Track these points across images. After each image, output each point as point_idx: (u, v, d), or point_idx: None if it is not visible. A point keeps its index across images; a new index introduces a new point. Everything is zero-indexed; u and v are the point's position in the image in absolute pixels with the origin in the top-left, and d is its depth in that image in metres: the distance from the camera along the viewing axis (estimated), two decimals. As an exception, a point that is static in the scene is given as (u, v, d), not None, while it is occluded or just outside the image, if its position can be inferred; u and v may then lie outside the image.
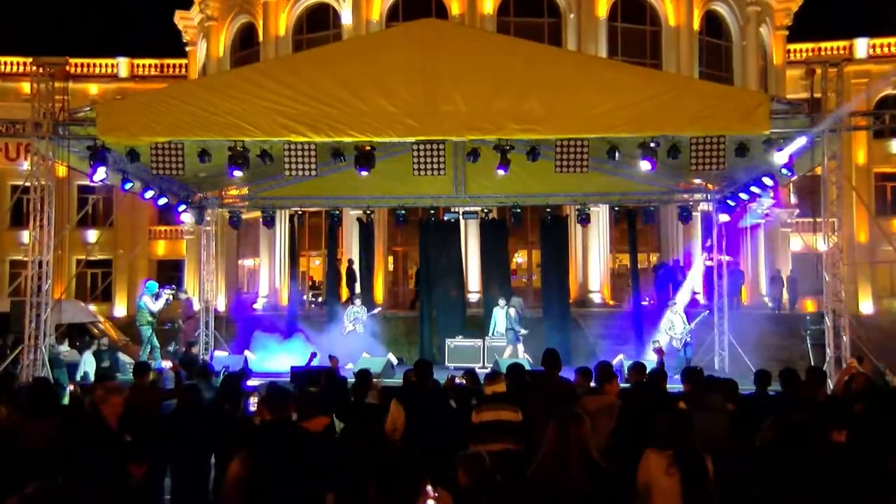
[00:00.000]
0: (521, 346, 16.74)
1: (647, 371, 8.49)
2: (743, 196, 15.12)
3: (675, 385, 8.71)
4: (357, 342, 16.87)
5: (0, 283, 30.88)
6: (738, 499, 5.39)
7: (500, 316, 17.34)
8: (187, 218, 17.29)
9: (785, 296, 25.62)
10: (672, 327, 16.11)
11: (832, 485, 4.92)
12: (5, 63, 33.16)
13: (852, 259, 23.75)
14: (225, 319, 20.49)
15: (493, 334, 17.42)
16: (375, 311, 18.71)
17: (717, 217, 17.44)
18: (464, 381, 9.30)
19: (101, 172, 12.39)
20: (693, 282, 19.67)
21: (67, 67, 12.67)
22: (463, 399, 7.96)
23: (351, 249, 23.44)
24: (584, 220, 18.27)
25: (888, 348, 13.17)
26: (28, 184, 12.54)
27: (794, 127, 11.84)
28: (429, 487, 3.56)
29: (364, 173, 12.56)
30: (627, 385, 8.67)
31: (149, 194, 14.59)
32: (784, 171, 12.48)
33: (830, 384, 10.36)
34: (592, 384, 7.81)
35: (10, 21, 35.76)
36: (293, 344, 16.52)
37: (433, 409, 7.35)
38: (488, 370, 12.14)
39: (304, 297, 26.18)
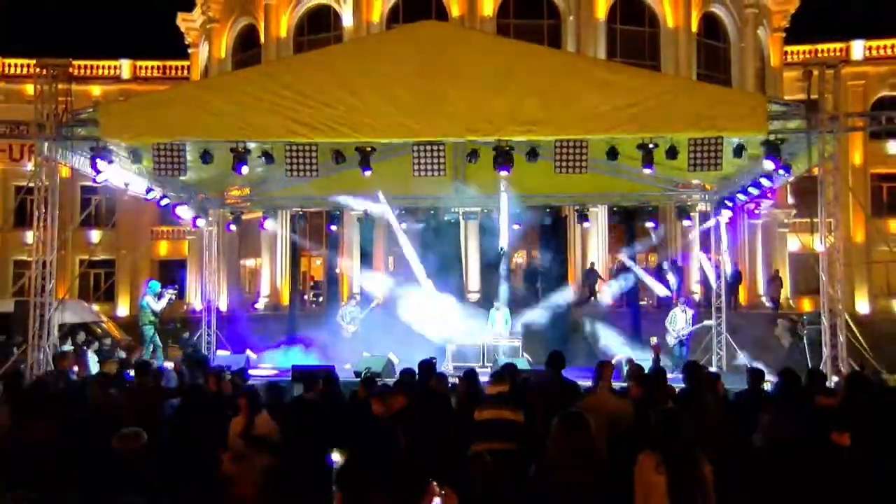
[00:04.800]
0: None
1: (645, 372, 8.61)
2: (741, 197, 15.17)
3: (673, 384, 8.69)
4: (357, 342, 16.88)
5: (4, 284, 31.00)
6: (736, 499, 5.32)
7: (499, 317, 17.30)
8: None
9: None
10: (673, 321, 16.10)
11: (833, 488, 4.93)
12: (9, 65, 33.42)
13: (849, 259, 23.88)
14: (227, 319, 20.56)
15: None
16: (373, 304, 18.30)
17: (714, 217, 17.44)
18: (455, 380, 9.11)
19: (103, 174, 12.42)
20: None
21: (70, 69, 12.74)
22: (460, 399, 7.94)
23: (352, 249, 23.46)
24: (583, 220, 18.30)
25: (884, 348, 13.22)
26: (32, 185, 12.54)
27: (792, 128, 11.88)
28: (435, 485, 3.60)
29: (367, 173, 12.67)
30: (624, 385, 8.71)
31: (151, 195, 14.69)
32: (780, 172, 12.53)
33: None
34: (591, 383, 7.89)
35: (13, 23, 35.85)
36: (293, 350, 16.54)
37: (435, 409, 7.35)
38: (488, 371, 12.22)
39: (305, 296, 26.21)
